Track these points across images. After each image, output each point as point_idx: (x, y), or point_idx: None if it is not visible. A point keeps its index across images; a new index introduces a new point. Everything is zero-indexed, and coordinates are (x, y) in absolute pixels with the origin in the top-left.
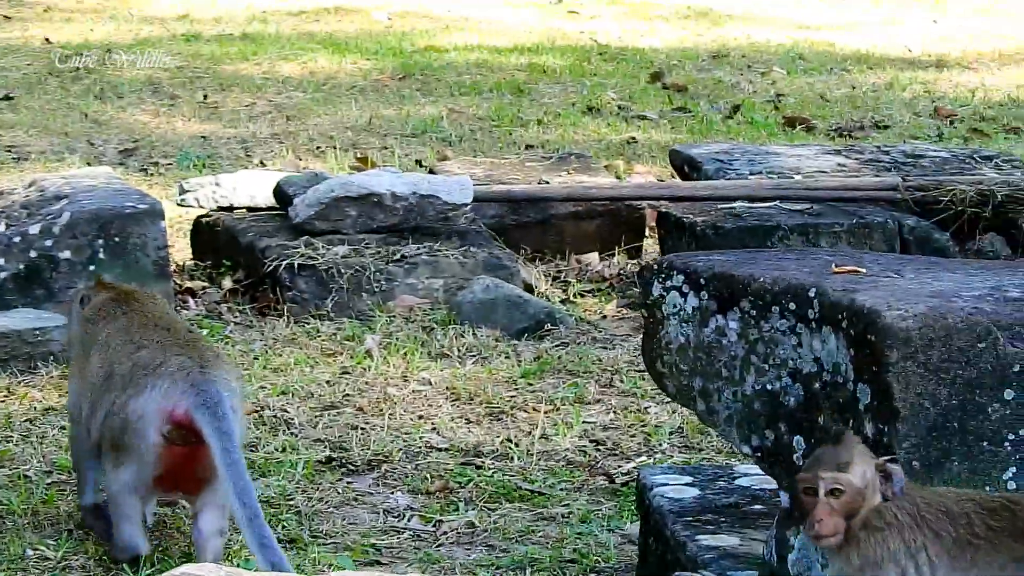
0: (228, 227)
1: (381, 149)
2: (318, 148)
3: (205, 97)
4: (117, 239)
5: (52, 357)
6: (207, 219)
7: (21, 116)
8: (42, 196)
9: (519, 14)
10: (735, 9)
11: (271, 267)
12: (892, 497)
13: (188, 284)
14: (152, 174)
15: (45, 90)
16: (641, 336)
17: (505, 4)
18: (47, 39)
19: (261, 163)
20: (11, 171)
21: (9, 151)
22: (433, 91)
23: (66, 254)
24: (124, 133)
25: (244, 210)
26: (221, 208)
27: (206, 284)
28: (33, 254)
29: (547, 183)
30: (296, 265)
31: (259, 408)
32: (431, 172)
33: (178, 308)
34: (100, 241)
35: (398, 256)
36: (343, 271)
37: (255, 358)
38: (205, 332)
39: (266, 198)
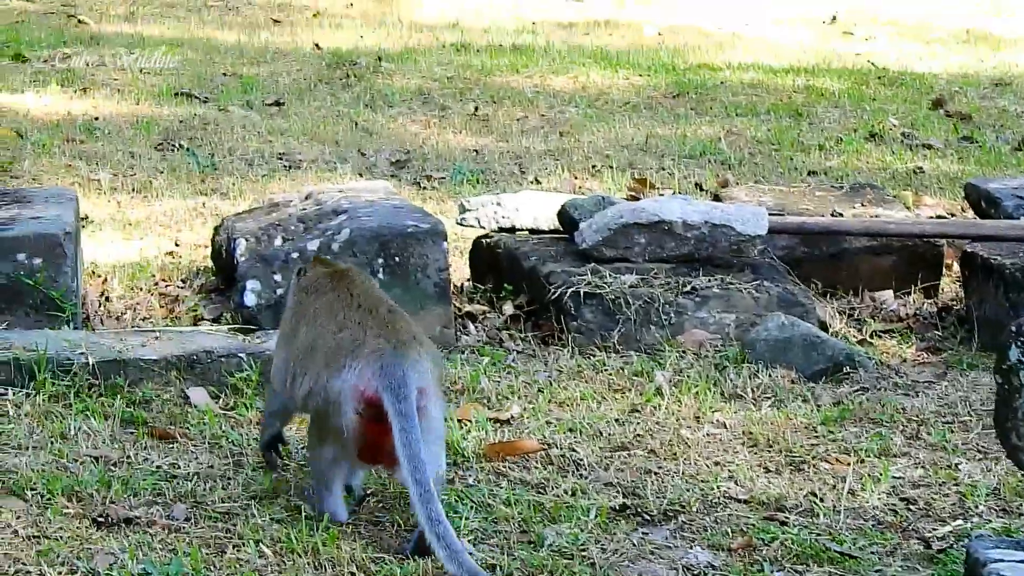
0: (510, 249)
1: (658, 170)
2: (593, 167)
3: (476, 109)
4: (397, 259)
5: None
6: (487, 240)
7: (291, 123)
8: (320, 210)
9: (791, 33)
10: (1016, 33)
11: (556, 294)
12: None
13: (468, 308)
14: (425, 188)
15: (315, 97)
16: (942, 382)
17: (777, 23)
18: (317, 45)
19: (536, 180)
20: (282, 180)
21: (280, 159)
22: (708, 111)
23: None
24: (395, 144)
25: (526, 232)
26: (502, 229)
27: (486, 308)
28: None
29: (841, 215)
30: (582, 293)
31: (546, 445)
32: (716, 198)
33: (458, 333)
34: (380, 260)
35: (688, 288)
36: (631, 301)
37: (539, 390)
38: (486, 359)
39: (549, 220)
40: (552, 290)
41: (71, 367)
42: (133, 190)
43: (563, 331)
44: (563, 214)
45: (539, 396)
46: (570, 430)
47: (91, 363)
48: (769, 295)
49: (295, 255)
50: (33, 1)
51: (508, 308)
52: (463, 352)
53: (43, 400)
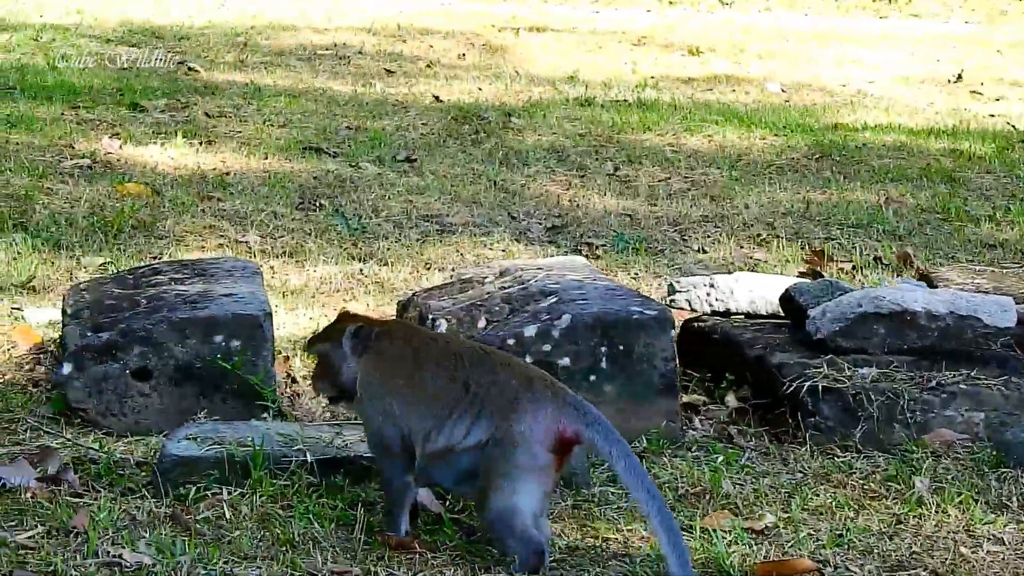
0: (728, 336)
1: (825, 240)
2: (758, 235)
3: (616, 169)
4: (621, 347)
5: None
6: (700, 324)
7: (428, 181)
8: (524, 290)
9: (918, 91)
10: None
11: (791, 388)
12: None
13: (687, 399)
14: (588, 256)
15: (446, 153)
16: None
17: (902, 81)
18: (436, 97)
19: (702, 250)
20: (437, 244)
21: (428, 221)
22: (857, 175)
23: (564, 361)
24: (541, 206)
25: (742, 316)
26: (715, 313)
27: (705, 399)
28: (528, 359)
29: None
30: (820, 388)
31: (820, 564)
32: (924, 279)
33: (684, 427)
34: (603, 348)
35: (933, 383)
36: (873, 398)
37: (789, 495)
38: (720, 458)
39: (767, 303)
40: (787, 383)
41: (289, 465)
42: (284, 254)
43: (799, 428)
44: (787, 299)
45: (790, 502)
46: (837, 545)
47: (309, 460)
48: (1020, 392)
49: (511, 341)
50: (141, 47)
51: (732, 400)
52: (691, 448)
53: (261, 501)
